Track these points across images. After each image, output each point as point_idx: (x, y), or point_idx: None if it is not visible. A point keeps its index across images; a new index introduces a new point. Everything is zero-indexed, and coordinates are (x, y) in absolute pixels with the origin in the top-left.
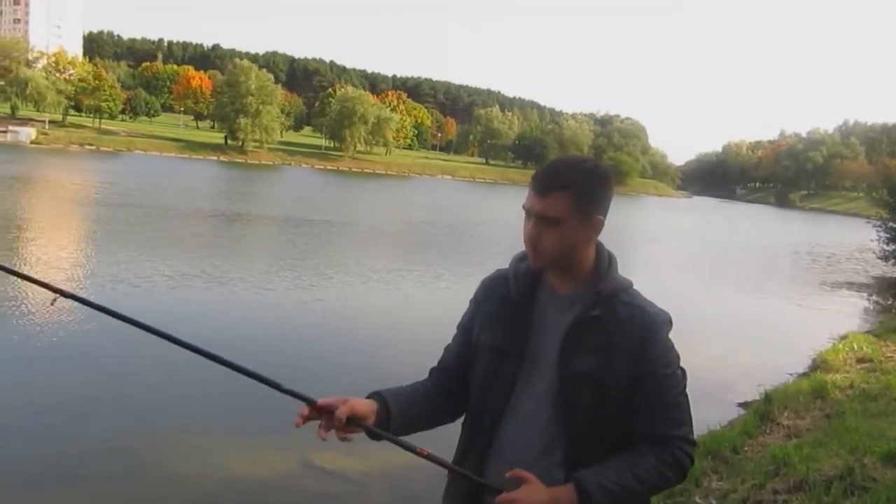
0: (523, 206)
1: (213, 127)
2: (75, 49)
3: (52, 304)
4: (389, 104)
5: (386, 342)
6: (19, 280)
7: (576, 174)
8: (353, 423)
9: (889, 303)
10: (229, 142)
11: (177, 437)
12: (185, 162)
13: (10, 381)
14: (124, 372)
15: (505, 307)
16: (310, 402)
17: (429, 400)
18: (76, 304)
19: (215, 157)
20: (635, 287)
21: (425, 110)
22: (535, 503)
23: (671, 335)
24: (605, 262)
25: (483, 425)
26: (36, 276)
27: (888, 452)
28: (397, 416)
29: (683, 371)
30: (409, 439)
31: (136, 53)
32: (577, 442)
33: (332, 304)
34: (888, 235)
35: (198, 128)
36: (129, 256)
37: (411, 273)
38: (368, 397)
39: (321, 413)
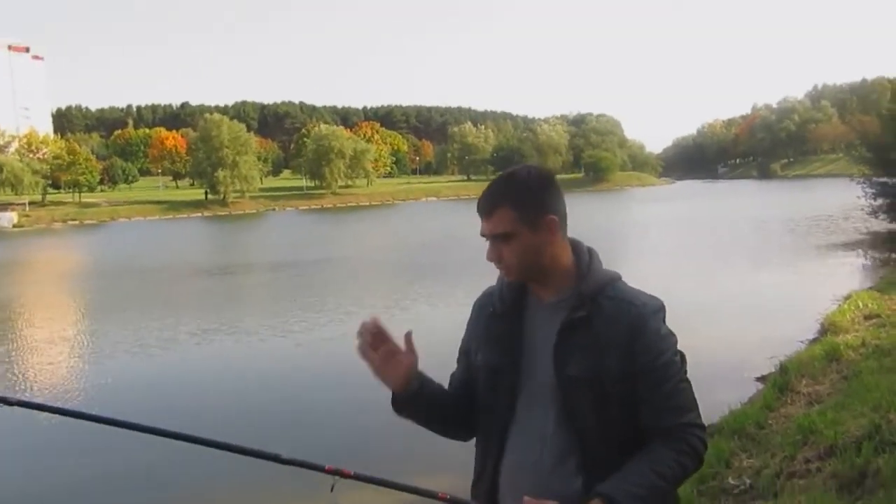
0: (481, 234)
1: (192, 184)
2: (45, 127)
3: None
4: (364, 136)
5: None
6: None
7: (509, 188)
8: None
9: (886, 256)
10: (210, 196)
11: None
12: (170, 223)
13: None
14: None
15: (494, 324)
16: (317, 469)
17: (447, 410)
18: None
19: (199, 214)
20: (631, 278)
21: (400, 136)
22: None
23: (668, 321)
24: (584, 259)
25: (491, 444)
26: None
27: None
28: (428, 394)
29: (682, 356)
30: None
31: (106, 122)
32: (589, 446)
33: (333, 346)
34: (874, 191)
35: (177, 187)
36: (125, 324)
37: (410, 302)
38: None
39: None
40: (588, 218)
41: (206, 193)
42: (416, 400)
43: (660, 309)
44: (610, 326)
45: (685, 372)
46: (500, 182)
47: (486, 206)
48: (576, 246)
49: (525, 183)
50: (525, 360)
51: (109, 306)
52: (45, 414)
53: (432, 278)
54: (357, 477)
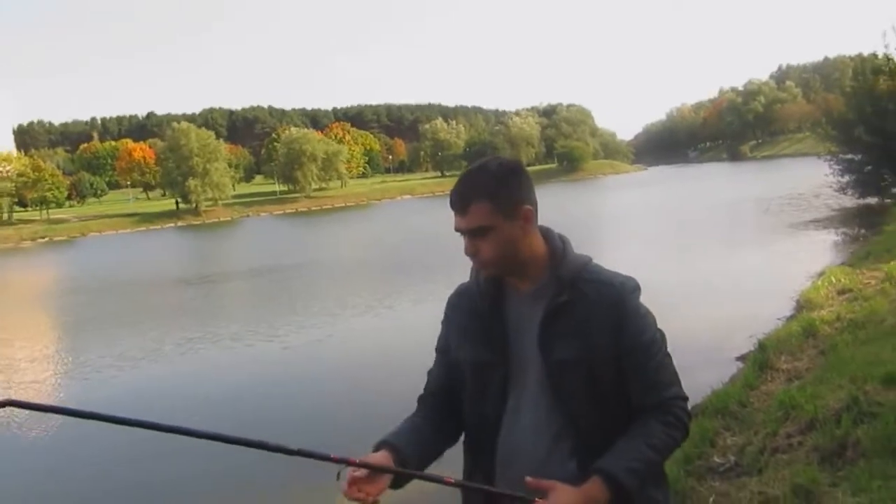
0: (455, 229)
1: (164, 195)
2: (7, 145)
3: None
4: (335, 137)
5: (377, 378)
6: None
7: (482, 181)
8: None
9: (855, 232)
10: (182, 206)
11: None
12: (143, 235)
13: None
14: (119, 455)
15: (476, 320)
16: (324, 458)
17: (433, 430)
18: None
19: (172, 224)
20: (610, 264)
21: (372, 136)
22: (565, 493)
23: (648, 304)
24: (558, 246)
25: (484, 438)
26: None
27: (887, 375)
28: (412, 458)
29: (661, 331)
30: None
31: (71, 137)
32: (582, 428)
33: (319, 349)
34: (840, 167)
35: (148, 198)
36: (106, 340)
37: (391, 302)
38: (375, 449)
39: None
40: (564, 207)
41: (177, 203)
42: (410, 467)
43: (636, 287)
44: (593, 309)
45: (666, 345)
46: (471, 175)
47: (461, 201)
48: (547, 234)
49: (497, 174)
50: (512, 351)
51: (91, 322)
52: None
53: (413, 276)
54: (364, 465)
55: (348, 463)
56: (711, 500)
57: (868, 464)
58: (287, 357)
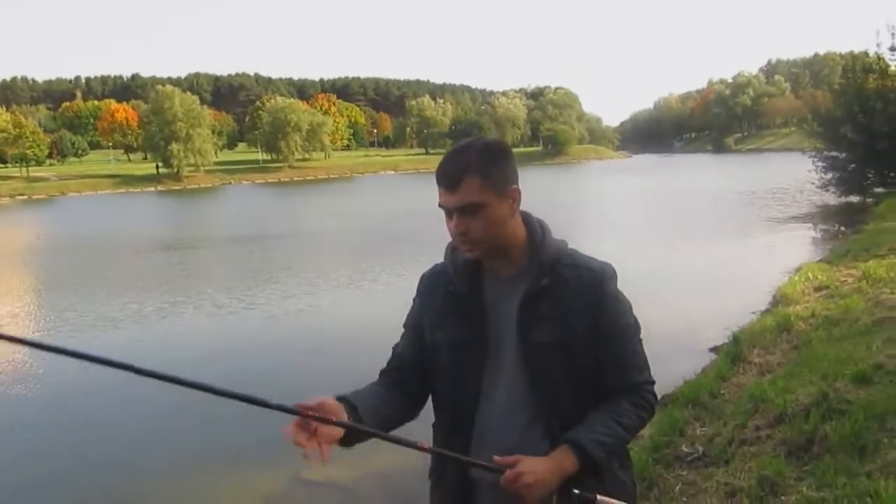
0: (440, 205)
1: (145, 158)
2: None
3: None
4: (321, 108)
5: (349, 347)
6: None
7: (473, 157)
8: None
9: (835, 229)
10: (163, 169)
11: (156, 475)
12: (123, 197)
13: None
14: (90, 415)
15: (453, 302)
16: (293, 412)
17: (392, 400)
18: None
19: (152, 188)
20: (588, 250)
21: (358, 109)
22: (540, 471)
23: (625, 292)
24: (537, 230)
25: (459, 420)
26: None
27: (858, 373)
28: (367, 418)
29: (635, 317)
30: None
31: (54, 95)
32: (556, 410)
33: (302, 318)
34: (824, 164)
35: (130, 160)
36: (88, 299)
37: (374, 275)
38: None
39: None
40: (547, 191)
41: (157, 167)
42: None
43: (614, 273)
44: (572, 293)
45: (640, 330)
46: (462, 152)
47: (451, 177)
48: (526, 218)
49: (488, 151)
50: (490, 334)
51: (70, 282)
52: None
53: (395, 251)
54: (339, 423)
55: (324, 421)
56: (678, 488)
57: (834, 459)
58: (271, 326)
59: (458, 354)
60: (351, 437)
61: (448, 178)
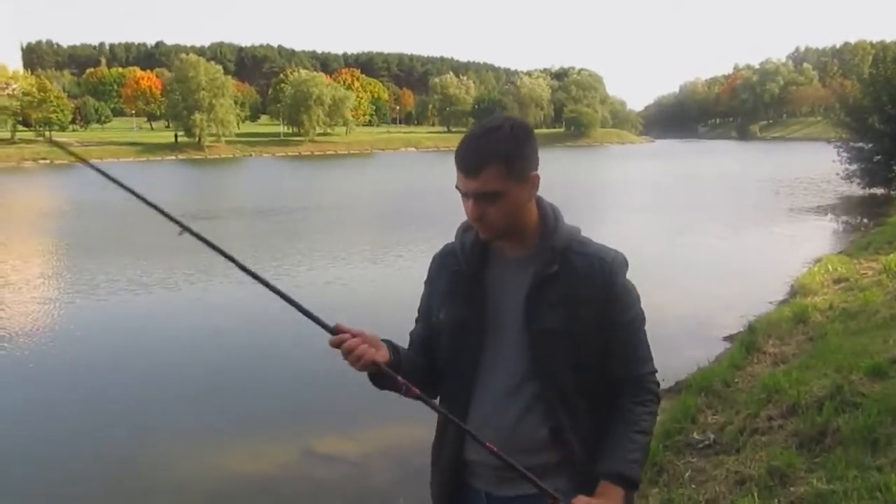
0: (457, 188)
1: (167, 126)
2: (14, 63)
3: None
4: (344, 82)
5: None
6: None
7: (498, 143)
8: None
9: (857, 221)
10: (184, 139)
11: (173, 442)
12: (144, 165)
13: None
14: (111, 383)
15: (457, 282)
16: (330, 330)
17: (423, 366)
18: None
19: (174, 157)
20: (609, 235)
21: (381, 84)
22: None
23: (643, 278)
24: (550, 216)
25: (457, 401)
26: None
27: (873, 367)
28: (405, 363)
29: (641, 308)
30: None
31: (78, 60)
32: (558, 396)
33: (332, 290)
34: (849, 155)
35: (152, 129)
36: (118, 263)
37: (399, 251)
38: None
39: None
40: (569, 173)
41: (175, 136)
42: (399, 366)
43: (625, 263)
44: (582, 281)
45: (645, 321)
46: (485, 136)
47: (472, 163)
48: (539, 202)
49: (512, 136)
50: (490, 315)
51: (94, 247)
52: None
53: (416, 228)
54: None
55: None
56: (687, 475)
57: (846, 452)
58: (299, 297)
59: (458, 335)
60: (379, 378)
61: (469, 163)
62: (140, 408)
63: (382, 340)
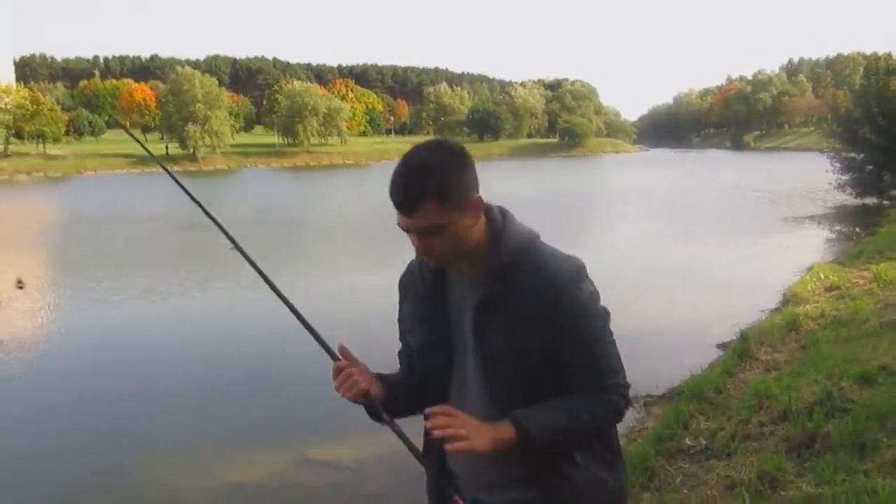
0: (398, 225)
1: (162, 138)
2: (7, 76)
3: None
4: (338, 93)
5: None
6: None
7: (428, 177)
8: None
9: (850, 230)
10: (179, 150)
11: (166, 452)
12: (139, 177)
13: None
14: (105, 395)
15: (420, 304)
16: (334, 357)
17: (409, 388)
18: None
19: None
20: (603, 244)
21: (375, 95)
22: (474, 425)
23: (635, 288)
24: (497, 226)
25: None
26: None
27: (862, 374)
28: (392, 390)
29: (606, 315)
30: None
31: (72, 73)
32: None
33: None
34: (841, 165)
35: (147, 140)
36: (121, 274)
37: (394, 260)
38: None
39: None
40: (563, 184)
41: (166, 148)
42: (388, 398)
43: (576, 272)
44: (525, 300)
45: (609, 333)
46: (414, 171)
47: (407, 202)
48: (488, 213)
49: (444, 168)
50: (454, 337)
51: (90, 259)
52: None
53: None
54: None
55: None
56: (679, 479)
57: (834, 457)
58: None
59: (427, 357)
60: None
61: (403, 201)
62: (134, 417)
63: (376, 375)
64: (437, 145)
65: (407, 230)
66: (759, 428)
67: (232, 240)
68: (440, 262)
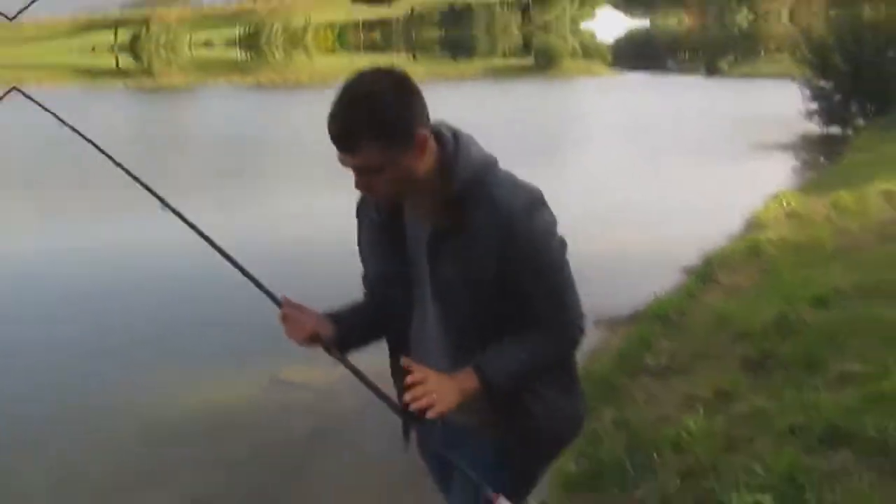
0: (338, 159)
1: (111, 49)
2: None
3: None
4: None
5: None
6: None
7: (369, 116)
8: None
9: (815, 159)
10: (132, 64)
11: (134, 377)
12: (90, 93)
13: None
14: (77, 309)
15: (376, 232)
16: (277, 303)
17: (372, 317)
18: None
19: (121, 84)
20: (569, 173)
21: (345, 9)
22: (440, 382)
23: (603, 216)
24: (449, 153)
25: (397, 355)
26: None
27: (817, 296)
28: (347, 330)
29: (562, 245)
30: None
31: None
32: (463, 347)
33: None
34: (811, 94)
35: (94, 51)
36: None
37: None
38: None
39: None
40: (534, 108)
41: (116, 61)
42: (344, 336)
43: (532, 201)
44: (480, 229)
45: (564, 265)
46: (355, 106)
47: (345, 142)
48: (439, 137)
49: (385, 105)
50: (413, 268)
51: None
52: None
53: None
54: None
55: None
56: (639, 396)
57: (786, 374)
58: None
59: (385, 288)
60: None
61: (343, 142)
62: (100, 337)
63: (328, 315)
64: (382, 75)
65: (346, 166)
66: (717, 348)
67: (162, 200)
68: (384, 197)
